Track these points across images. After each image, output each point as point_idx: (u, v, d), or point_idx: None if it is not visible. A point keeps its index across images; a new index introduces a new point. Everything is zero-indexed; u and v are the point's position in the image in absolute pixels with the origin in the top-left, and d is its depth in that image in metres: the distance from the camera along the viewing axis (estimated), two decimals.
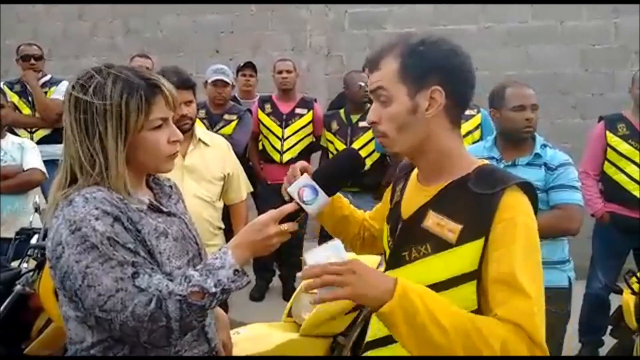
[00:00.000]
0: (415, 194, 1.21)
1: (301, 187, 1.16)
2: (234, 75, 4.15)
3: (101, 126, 1.10)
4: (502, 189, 1.06)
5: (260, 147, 4.12)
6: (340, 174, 1.22)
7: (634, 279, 2.72)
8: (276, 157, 4.00)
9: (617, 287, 2.88)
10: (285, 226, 1.13)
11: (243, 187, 2.63)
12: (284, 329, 2.09)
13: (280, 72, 4.03)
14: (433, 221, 1.11)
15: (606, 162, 3.18)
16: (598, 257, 3.26)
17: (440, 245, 1.09)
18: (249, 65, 4.38)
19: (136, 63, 3.92)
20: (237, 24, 5.68)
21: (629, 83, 3.27)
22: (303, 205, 1.15)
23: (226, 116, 3.70)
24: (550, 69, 4.79)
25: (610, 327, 2.97)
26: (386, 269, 1.20)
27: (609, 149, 3.15)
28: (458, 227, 1.07)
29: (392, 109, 1.12)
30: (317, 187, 1.15)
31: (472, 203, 1.07)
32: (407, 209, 1.20)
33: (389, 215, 1.30)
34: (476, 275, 1.05)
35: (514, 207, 1.05)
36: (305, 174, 1.19)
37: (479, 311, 1.05)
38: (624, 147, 3.10)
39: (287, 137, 3.98)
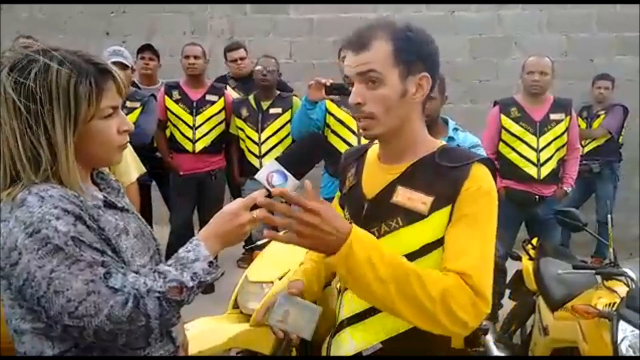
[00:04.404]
0: (378, 175, 1.24)
1: (269, 172, 1.15)
2: (134, 59, 3.90)
3: (47, 117, 0.98)
4: (470, 162, 1.14)
5: (168, 135, 3.93)
6: (307, 157, 1.22)
7: (530, 246, 3.05)
8: (188, 146, 3.84)
9: (515, 254, 3.21)
10: (256, 213, 1.11)
11: (132, 169, 2.38)
12: (231, 320, 2.04)
13: (187, 57, 3.85)
14: (403, 196, 1.16)
15: (501, 143, 3.49)
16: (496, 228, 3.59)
17: (412, 216, 1.14)
18: (148, 48, 4.13)
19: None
20: (129, 5, 5.32)
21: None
22: (272, 191, 1.14)
23: (128, 103, 3.45)
24: (442, 57, 5.11)
25: (509, 291, 3.30)
26: None
27: (503, 131, 3.46)
28: (430, 199, 1.13)
29: (384, 91, 1.13)
30: (285, 171, 1.15)
31: (441, 175, 1.14)
32: (371, 189, 1.23)
33: (344, 200, 1.33)
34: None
35: (481, 178, 1.14)
36: (271, 160, 1.18)
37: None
38: (516, 128, 3.43)
39: (199, 126, 3.83)
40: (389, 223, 1.16)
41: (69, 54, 1.03)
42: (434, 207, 1.12)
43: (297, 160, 1.18)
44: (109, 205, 1.11)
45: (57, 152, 1.00)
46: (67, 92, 0.99)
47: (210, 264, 1.04)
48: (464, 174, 1.13)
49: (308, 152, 1.22)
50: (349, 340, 1.21)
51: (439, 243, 1.13)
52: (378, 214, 1.18)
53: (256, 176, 1.16)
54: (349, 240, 1.01)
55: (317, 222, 0.99)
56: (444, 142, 1.24)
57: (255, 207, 1.13)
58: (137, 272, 1.03)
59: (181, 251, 1.05)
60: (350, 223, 1.22)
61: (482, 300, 1.06)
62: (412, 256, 1.13)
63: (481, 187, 1.12)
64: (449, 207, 1.12)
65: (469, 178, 1.12)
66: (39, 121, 0.98)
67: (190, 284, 1.00)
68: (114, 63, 3.34)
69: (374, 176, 1.25)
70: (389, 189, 1.18)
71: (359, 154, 1.34)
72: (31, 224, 0.92)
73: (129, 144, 2.33)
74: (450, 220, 1.12)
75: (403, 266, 1.04)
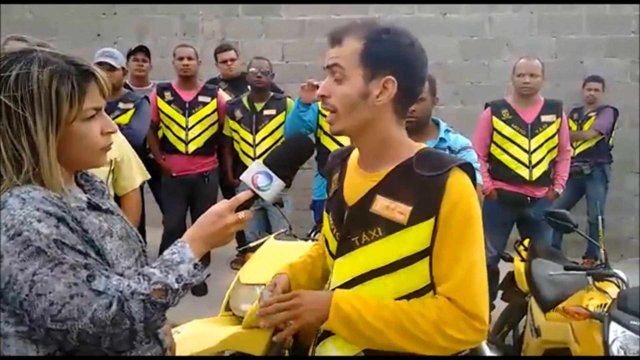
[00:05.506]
0: (358, 181, 1.22)
1: (255, 173, 1.16)
2: (126, 60, 3.88)
3: (28, 119, 0.97)
4: (447, 170, 1.12)
5: (161, 136, 3.91)
6: (292, 159, 1.21)
7: (522, 247, 3.06)
8: (181, 147, 3.83)
9: (507, 255, 3.21)
10: (242, 214, 1.12)
11: (136, 174, 2.37)
12: (224, 323, 2.03)
13: (181, 59, 3.84)
14: (382, 205, 1.14)
15: (493, 144, 3.50)
16: (487, 229, 3.56)
17: (392, 227, 1.12)
18: (141, 49, 4.12)
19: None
20: (120, 6, 5.30)
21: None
22: (258, 192, 1.15)
23: (121, 104, 3.44)
24: (434, 59, 5.11)
25: (501, 292, 3.30)
26: (336, 256, 1.21)
27: (495, 133, 3.47)
28: (408, 209, 1.11)
29: (345, 88, 1.13)
30: (270, 172, 1.15)
31: (419, 185, 1.12)
32: (352, 195, 1.21)
33: (328, 204, 1.31)
34: (428, 252, 1.11)
35: (459, 189, 1.12)
36: (257, 161, 1.18)
37: (431, 285, 1.14)
38: (508, 130, 3.44)
39: (192, 127, 3.82)
40: (369, 233, 1.14)
41: (51, 55, 1.01)
42: (413, 218, 1.10)
43: (283, 162, 1.18)
44: (93, 207, 1.09)
45: (39, 153, 0.98)
46: (48, 94, 0.98)
47: (196, 265, 1.04)
48: (442, 185, 1.10)
49: (294, 154, 1.22)
50: (332, 349, 1.20)
51: (421, 255, 1.11)
52: (358, 223, 1.17)
53: (241, 177, 1.17)
54: (334, 300, 1.12)
55: (301, 301, 1.15)
56: (423, 146, 1.21)
57: (240, 208, 1.13)
58: (121, 274, 1.02)
59: (166, 253, 1.04)
60: (336, 231, 1.23)
61: (476, 320, 1.09)
62: (392, 267, 1.12)
63: (461, 198, 1.10)
64: (431, 221, 1.09)
65: (447, 189, 1.10)
66: (20, 123, 0.97)
67: (175, 286, 0.99)
68: (101, 64, 3.32)
69: (354, 182, 1.23)
70: (368, 197, 1.16)
71: (343, 156, 1.32)
72: (12, 227, 0.91)
73: (133, 150, 2.35)
74: (434, 236, 1.10)
75: (390, 309, 1.10)
